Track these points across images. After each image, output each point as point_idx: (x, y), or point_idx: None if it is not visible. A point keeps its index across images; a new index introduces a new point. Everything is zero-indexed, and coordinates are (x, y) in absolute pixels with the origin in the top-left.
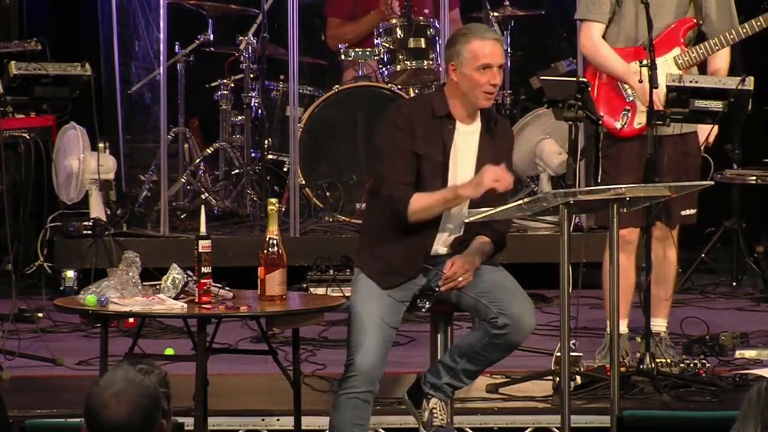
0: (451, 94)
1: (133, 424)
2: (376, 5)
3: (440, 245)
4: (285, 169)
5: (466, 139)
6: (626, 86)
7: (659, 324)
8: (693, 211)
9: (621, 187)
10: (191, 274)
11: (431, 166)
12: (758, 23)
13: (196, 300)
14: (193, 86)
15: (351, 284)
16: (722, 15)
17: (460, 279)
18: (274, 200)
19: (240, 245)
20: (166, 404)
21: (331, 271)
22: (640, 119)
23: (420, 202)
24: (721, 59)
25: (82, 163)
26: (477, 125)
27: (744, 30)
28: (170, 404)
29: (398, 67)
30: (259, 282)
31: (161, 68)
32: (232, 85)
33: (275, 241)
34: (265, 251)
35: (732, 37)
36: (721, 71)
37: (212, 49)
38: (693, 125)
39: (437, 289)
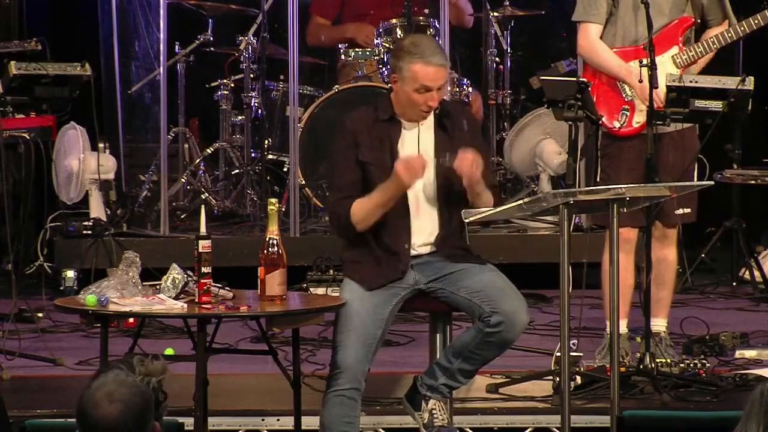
0: (396, 100)
1: (126, 423)
2: (363, 11)
3: (420, 244)
4: (285, 169)
5: (419, 138)
6: (625, 85)
7: (659, 324)
8: (688, 210)
9: (621, 187)
10: (191, 274)
11: (380, 172)
12: (756, 21)
13: (196, 300)
14: (193, 86)
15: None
16: (721, 10)
17: (472, 163)
18: (274, 200)
19: (240, 245)
20: (162, 397)
21: (331, 271)
22: (639, 118)
23: (360, 209)
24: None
25: (82, 163)
26: (429, 122)
27: (742, 28)
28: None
29: None
30: (259, 282)
31: (161, 68)
32: (232, 85)
33: (275, 241)
34: (265, 251)
35: (730, 35)
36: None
37: (212, 49)
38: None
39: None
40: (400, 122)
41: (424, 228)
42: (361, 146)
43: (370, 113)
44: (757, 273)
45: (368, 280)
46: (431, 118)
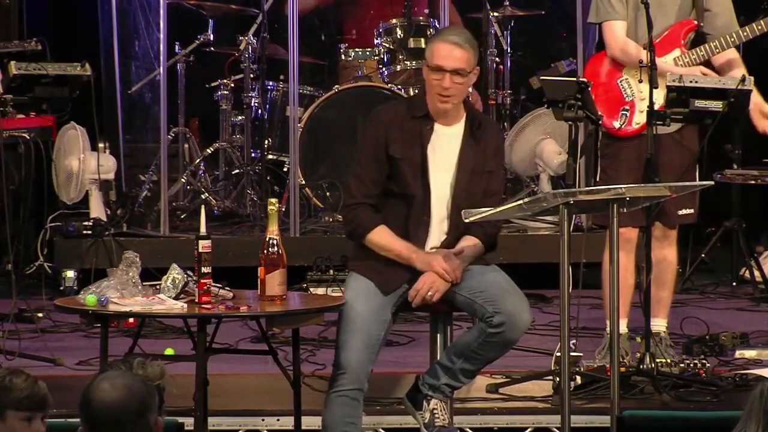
0: (427, 97)
1: (128, 408)
2: (363, 11)
3: (431, 247)
4: (285, 169)
5: (447, 140)
6: (625, 85)
7: (659, 324)
8: (691, 211)
9: (621, 187)
10: (191, 274)
11: (411, 168)
12: (759, 27)
13: (196, 300)
14: (193, 86)
15: (344, 284)
16: (727, 16)
17: (429, 294)
18: (274, 200)
19: (240, 245)
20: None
21: (331, 271)
22: (639, 118)
23: (380, 240)
24: (732, 50)
25: (82, 163)
26: (459, 127)
27: (745, 33)
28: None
29: (398, 67)
30: (259, 282)
31: (161, 68)
32: (232, 85)
33: (275, 241)
34: (265, 251)
35: (732, 39)
36: (736, 60)
37: (212, 49)
38: None
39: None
40: (433, 121)
41: (437, 232)
42: (392, 141)
43: (403, 109)
44: (757, 273)
45: (385, 283)
46: (462, 124)
